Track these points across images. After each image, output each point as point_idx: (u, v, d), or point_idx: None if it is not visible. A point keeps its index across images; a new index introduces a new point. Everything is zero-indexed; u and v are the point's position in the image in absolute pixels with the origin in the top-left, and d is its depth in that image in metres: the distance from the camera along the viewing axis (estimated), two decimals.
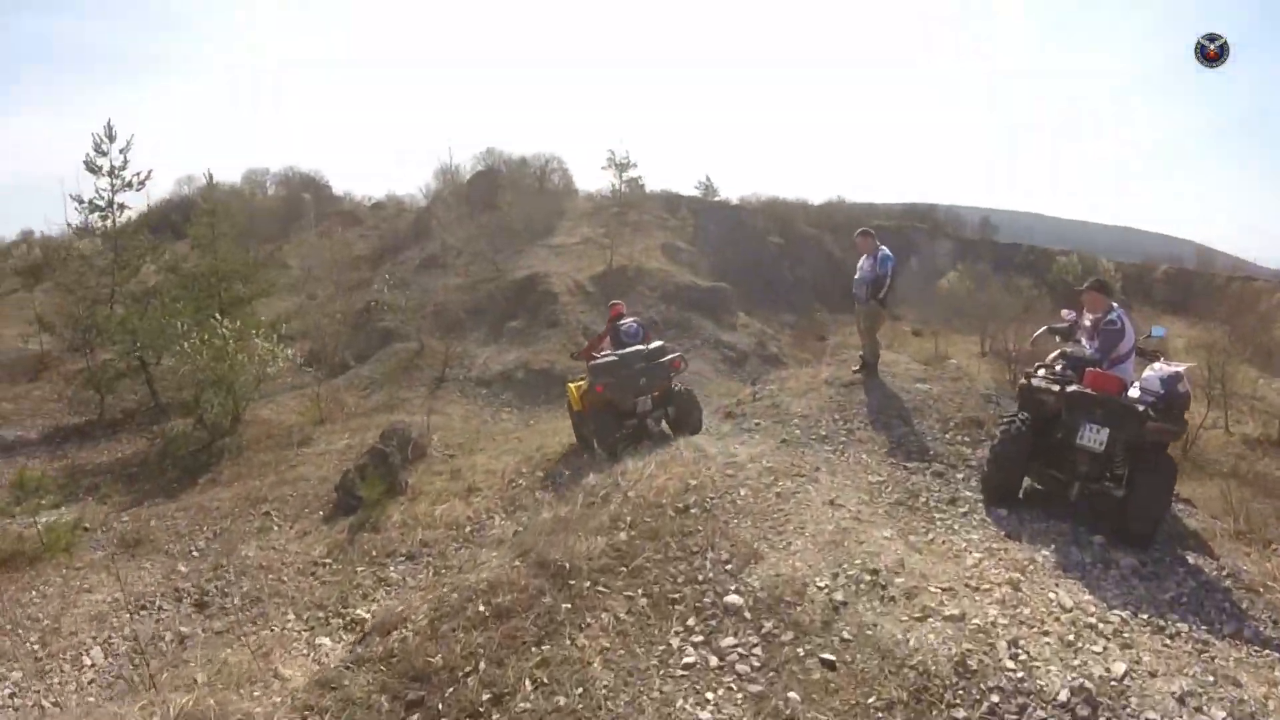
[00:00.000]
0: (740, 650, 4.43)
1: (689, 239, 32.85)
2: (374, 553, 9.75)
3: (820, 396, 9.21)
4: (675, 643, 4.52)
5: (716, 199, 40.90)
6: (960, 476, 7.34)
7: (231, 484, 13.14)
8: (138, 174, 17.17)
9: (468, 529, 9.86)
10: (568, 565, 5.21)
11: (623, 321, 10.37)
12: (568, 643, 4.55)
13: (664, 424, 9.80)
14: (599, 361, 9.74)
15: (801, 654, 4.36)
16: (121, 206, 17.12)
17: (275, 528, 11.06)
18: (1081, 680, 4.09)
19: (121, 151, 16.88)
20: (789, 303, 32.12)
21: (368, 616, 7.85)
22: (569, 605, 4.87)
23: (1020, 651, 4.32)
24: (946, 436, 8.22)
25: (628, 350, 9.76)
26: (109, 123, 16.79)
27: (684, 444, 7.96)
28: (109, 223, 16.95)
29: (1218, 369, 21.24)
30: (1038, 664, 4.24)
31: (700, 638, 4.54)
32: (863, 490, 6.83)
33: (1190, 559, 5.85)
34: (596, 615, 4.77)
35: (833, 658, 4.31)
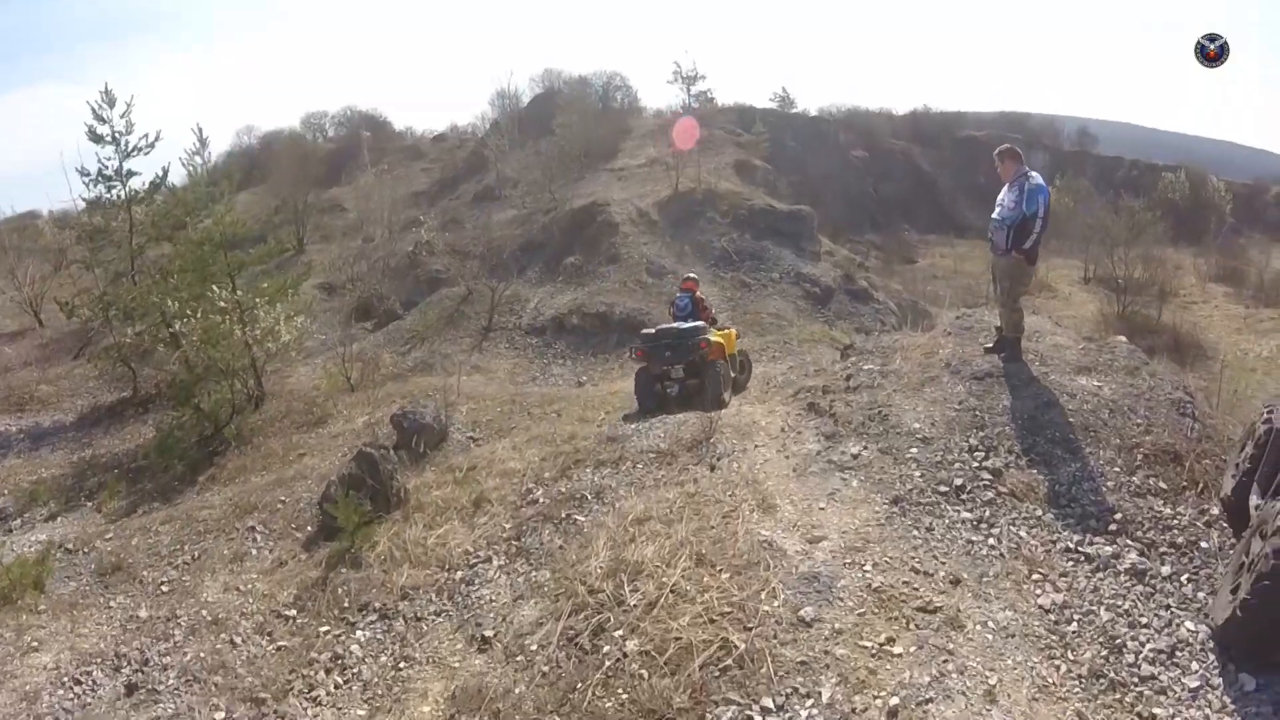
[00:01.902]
0: None
1: (764, 156, 28.43)
2: (346, 602, 7.16)
3: (943, 395, 5.83)
4: None
5: (794, 111, 35.77)
6: (1167, 572, 4.17)
7: (231, 481, 10.86)
8: (144, 136, 14.99)
9: (459, 574, 7.11)
10: None
11: (679, 295, 11.32)
12: None
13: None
14: (645, 330, 11.28)
15: None
16: (130, 173, 14.95)
17: (253, 552, 8.63)
18: None
19: (122, 116, 14.73)
20: (874, 222, 27.64)
21: None
22: None
23: None
24: (1134, 481, 4.93)
25: (665, 326, 10.93)
26: (106, 87, 14.62)
27: (747, 491, 4.93)
28: (115, 193, 14.79)
29: None
30: None
31: None
32: (1037, 645, 3.58)
33: None
34: None
35: None
